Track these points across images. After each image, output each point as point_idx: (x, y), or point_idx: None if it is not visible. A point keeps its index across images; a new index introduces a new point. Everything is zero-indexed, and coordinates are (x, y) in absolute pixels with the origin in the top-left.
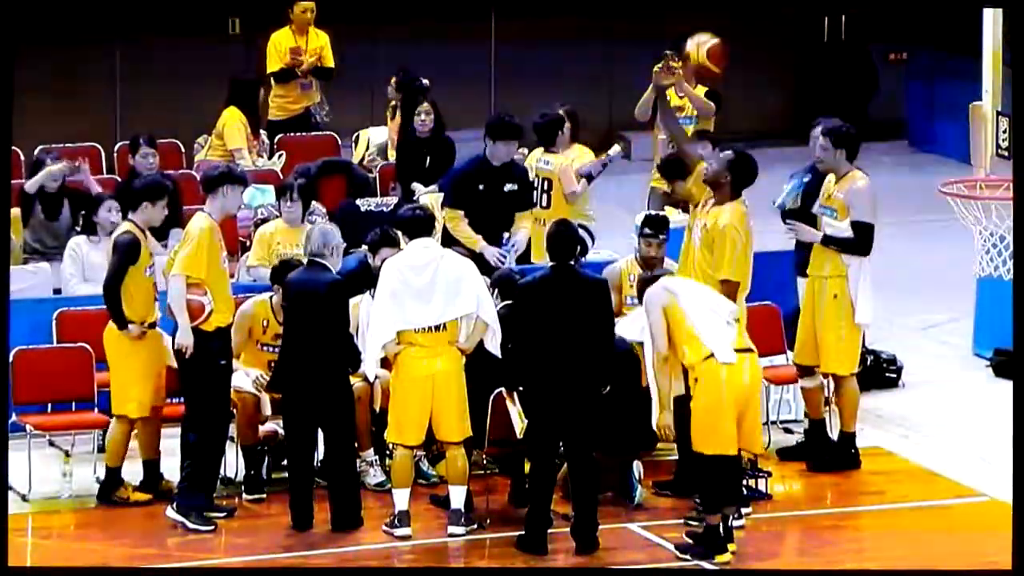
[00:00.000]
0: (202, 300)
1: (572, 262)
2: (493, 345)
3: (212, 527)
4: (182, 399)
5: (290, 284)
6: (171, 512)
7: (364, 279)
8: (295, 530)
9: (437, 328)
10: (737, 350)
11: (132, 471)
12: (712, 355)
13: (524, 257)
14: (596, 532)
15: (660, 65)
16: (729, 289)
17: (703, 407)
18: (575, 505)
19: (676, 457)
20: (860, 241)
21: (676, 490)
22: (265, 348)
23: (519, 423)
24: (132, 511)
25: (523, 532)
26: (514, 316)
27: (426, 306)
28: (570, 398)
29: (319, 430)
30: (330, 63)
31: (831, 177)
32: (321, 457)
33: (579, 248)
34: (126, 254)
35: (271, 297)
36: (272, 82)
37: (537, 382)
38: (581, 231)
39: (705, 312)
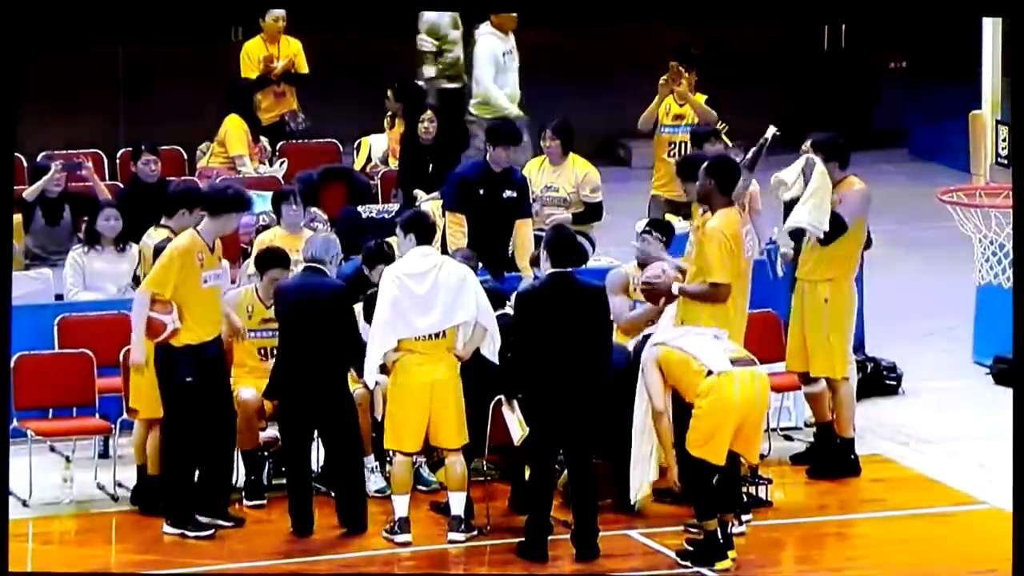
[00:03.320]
0: (164, 319)
1: (571, 269)
2: (491, 352)
3: (211, 532)
4: None
5: (286, 290)
6: (167, 527)
7: (360, 286)
8: (295, 536)
9: (437, 335)
10: (736, 360)
11: (126, 476)
12: (711, 371)
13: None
14: (596, 539)
15: (667, 77)
16: (720, 292)
17: (700, 415)
18: (575, 512)
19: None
20: (831, 230)
21: (676, 496)
22: (253, 334)
23: (518, 431)
24: (131, 517)
25: (523, 539)
26: (513, 324)
27: (427, 314)
28: (569, 405)
29: (315, 436)
30: (304, 69)
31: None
32: (322, 463)
33: (578, 256)
34: None
35: (254, 285)
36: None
37: (536, 389)
38: (581, 239)
39: (691, 337)
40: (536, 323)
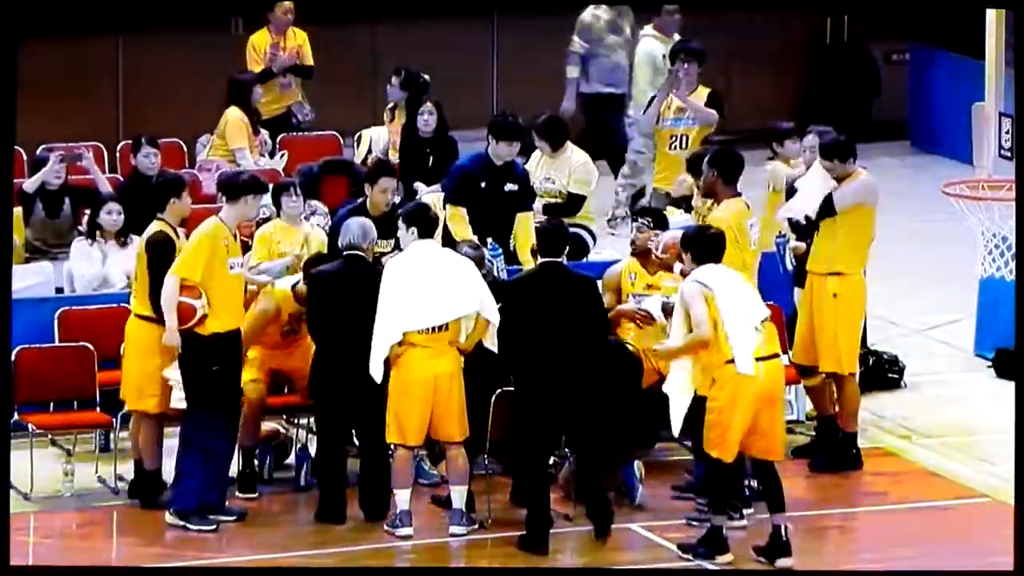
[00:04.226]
0: (194, 304)
1: (560, 259)
2: (495, 343)
3: (213, 526)
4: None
5: (324, 274)
6: (169, 517)
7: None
8: (323, 525)
9: (439, 328)
10: (761, 358)
11: (127, 470)
12: (732, 361)
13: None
14: (610, 516)
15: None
16: None
17: (717, 409)
18: (583, 493)
19: (688, 458)
20: (819, 212)
21: (689, 490)
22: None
23: None
24: (132, 510)
25: (524, 532)
26: (503, 315)
27: (430, 306)
28: (561, 394)
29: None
30: (309, 61)
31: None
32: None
33: (573, 247)
34: (156, 257)
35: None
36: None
37: (528, 379)
38: (583, 232)
39: (736, 314)
40: (524, 313)
